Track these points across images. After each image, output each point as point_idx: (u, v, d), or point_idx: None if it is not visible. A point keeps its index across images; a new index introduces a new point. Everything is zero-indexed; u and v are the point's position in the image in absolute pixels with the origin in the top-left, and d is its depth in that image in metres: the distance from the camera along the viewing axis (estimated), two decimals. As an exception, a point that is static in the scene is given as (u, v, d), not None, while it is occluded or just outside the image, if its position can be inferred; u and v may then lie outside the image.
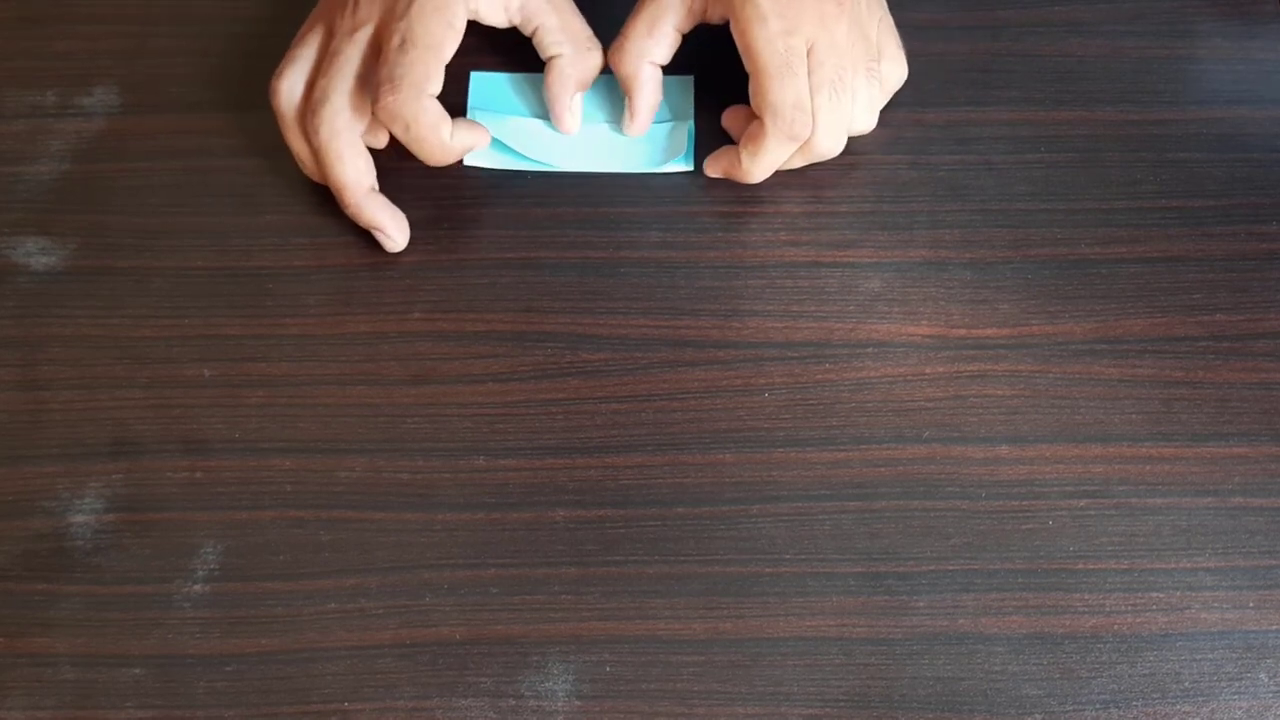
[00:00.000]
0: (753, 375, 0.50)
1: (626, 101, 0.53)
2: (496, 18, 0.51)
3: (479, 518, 0.48)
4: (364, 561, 0.47)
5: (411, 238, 0.52)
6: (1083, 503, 0.48)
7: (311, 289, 0.51)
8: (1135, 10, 0.57)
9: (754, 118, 0.51)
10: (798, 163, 0.52)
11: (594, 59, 0.53)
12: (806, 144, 0.51)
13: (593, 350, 0.50)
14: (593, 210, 0.53)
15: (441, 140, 0.50)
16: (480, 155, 0.53)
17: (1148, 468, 0.48)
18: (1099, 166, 0.54)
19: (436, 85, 0.49)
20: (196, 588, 0.47)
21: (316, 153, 0.50)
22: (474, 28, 0.51)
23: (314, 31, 0.51)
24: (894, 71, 0.53)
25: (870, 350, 0.50)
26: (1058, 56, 0.56)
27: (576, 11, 0.53)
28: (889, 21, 0.53)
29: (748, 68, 0.50)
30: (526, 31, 0.52)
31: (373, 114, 0.49)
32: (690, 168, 0.53)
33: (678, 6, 0.51)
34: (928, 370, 0.50)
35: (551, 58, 0.53)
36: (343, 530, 0.47)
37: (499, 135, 0.53)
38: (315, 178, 0.52)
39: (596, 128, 0.54)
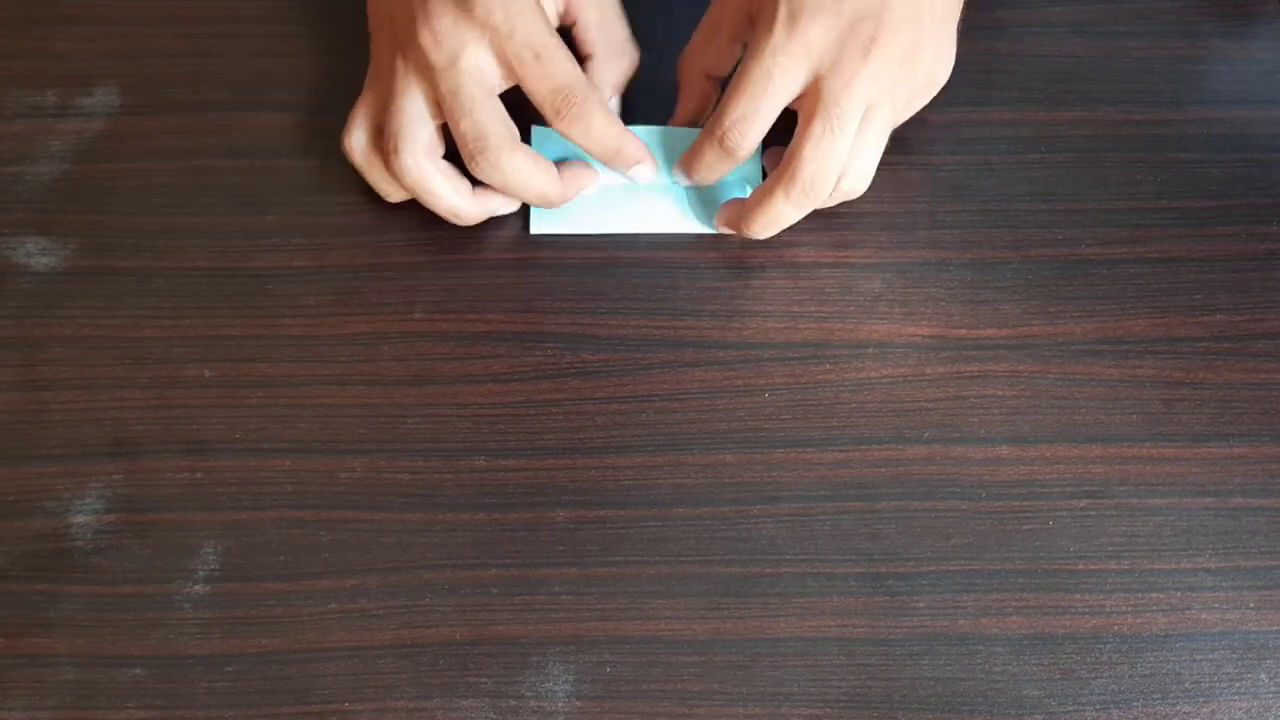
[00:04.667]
0: (753, 375, 0.50)
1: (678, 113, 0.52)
2: (549, 11, 0.50)
3: (479, 518, 0.48)
4: (364, 562, 0.47)
5: (411, 238, 0.52)
6: (1083, 503, 0.48)
7: (311, 289, 0.51)
8: (1135, 10, 0.57)
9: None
10: (830, 201, 0.50)
11: (625, 62, 0.52)
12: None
13: (593, 350, 0.50)
14: (593, 210, 0.53)
15: (543, 192, 0.50)
16: (545, 222, 0.52)
17: (1148, 468, 0.48)
18: (1099, 167, 0.54)
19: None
20: (197, 588, 0.47)
21: (411, 193, 0.50)
22: None
23: (368, 93, 0.50)
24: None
25: (871, 350, 0.50)
26: (1058, 56, 0.56)
27: (620, 14, 0.52)
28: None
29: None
30: (569, 25, 0.52)
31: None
32: None
33: (734, 14, 0.50)
34: (928, 370, 0.50)
35: (584, 59, 0.52)
36: (343, 530, 0.47)
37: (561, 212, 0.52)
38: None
39: (656, 187, 0.52)
